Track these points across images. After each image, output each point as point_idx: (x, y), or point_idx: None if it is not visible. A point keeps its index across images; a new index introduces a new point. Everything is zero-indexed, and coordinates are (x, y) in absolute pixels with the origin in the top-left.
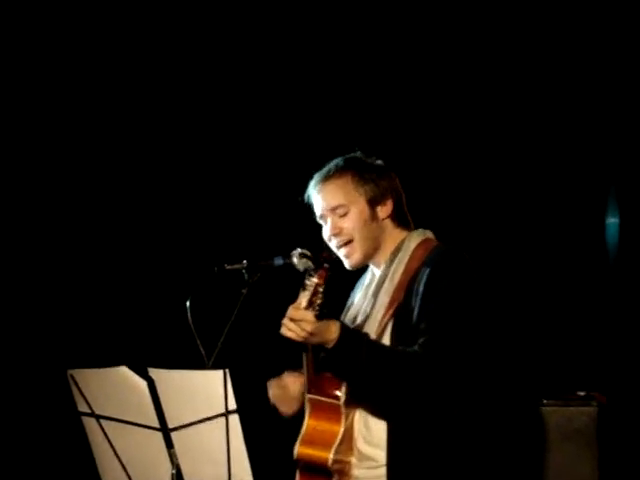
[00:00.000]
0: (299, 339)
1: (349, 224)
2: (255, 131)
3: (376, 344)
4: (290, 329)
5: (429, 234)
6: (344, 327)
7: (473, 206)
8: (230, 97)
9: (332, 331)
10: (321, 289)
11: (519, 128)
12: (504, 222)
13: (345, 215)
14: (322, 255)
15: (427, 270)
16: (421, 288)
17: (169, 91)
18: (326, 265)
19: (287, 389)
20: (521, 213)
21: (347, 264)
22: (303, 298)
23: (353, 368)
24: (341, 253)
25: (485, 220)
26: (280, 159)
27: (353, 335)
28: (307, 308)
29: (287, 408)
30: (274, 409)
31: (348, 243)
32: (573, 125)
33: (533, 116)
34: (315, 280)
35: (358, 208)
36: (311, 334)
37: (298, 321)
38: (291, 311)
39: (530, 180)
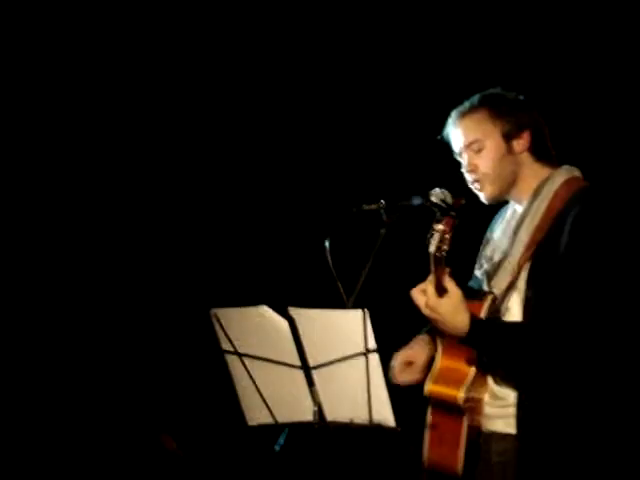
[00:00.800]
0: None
1: (484, 160)
2: (399, 71)
3: (508, 331)
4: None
5: (576, 172)
6: (474, 323)
7: (618, 148)
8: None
9: (460, 324)
10: (448, 236)
11: None
12: None
13: (480, 151)
14: (452, 203)
15: (572, 213)
16: (565, 234)
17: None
18: (452, 213)
19: (413, 362)
20: None
21: (482, 199)
22: (432, 244)
23: (484, 355)
24: (476, 188)
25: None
26: (422, 99)
27: (483, 330)
28: (435, 253)
29: (410, 380)
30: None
31: (483, 179)
32: None
33: None
34: (441, 227)
35: (493, 143)
36: (435, 320)
37: (420, 302)
38: (415, 295)
39: None
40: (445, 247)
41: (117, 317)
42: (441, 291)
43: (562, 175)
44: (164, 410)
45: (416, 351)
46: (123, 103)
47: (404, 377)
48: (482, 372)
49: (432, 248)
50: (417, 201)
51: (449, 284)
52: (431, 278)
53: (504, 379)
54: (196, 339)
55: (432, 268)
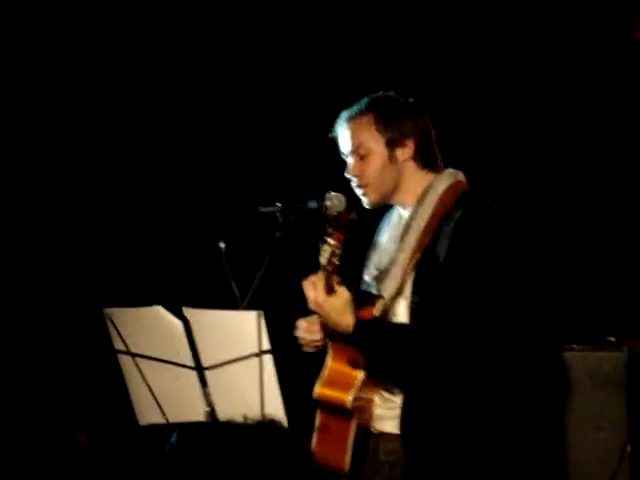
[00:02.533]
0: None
1: (367, 167)
2: (290, 66)
3: (391, 332)
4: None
5: (460, 176)
6: (358, 324)
7: (502, 145)
8: (259, 33)
9: (344, 324)
10: (338, 251)
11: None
12: (530, 158)
13: (365, 157)
14: (342, 217)
15: (453, 220)
16: (447, 239)
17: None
18: (342, 229)
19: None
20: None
21: (364, 204)
22: (323, 257)
23: (367, 356)
24: (359, 193)
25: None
26: (314, 99)
27: (367, 331)
28: (326, 265)
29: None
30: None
31: (366, 185)
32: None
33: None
34: (332, 242)
35: (377, 151)
36: (321, 316)
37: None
38: (306, 286)
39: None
40: (336, 261)
41: (17, 314)
42: (331, 291)
43: (445, 180)
44: (70, 405)
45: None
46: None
47: (312, 339)
48: (371, 375)
49: (323, 260)
50: (313, 204)
51: (339, 287)
52: (322, 277)
53: (392, 382)
54: (89, 339)
55: (323, 274)
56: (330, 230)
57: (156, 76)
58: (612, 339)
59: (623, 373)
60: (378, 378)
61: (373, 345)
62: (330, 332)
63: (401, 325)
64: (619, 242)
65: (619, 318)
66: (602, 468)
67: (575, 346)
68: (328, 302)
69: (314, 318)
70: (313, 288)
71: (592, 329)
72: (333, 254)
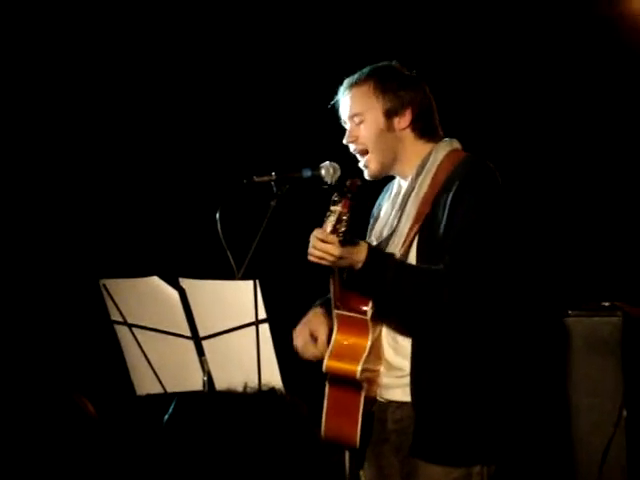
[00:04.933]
0: (327, 264)
1: (364, 133)
2: (292, 35)
3: (402, 264)
4: (317, 255)
5: (456, 144)
6: (371, 249)
7: (501, 115)
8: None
9: (360, 252)
10: (345, 217)
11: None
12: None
13: (361, 123)
14: (347, 183)
15: (455, 183)
16: (448, 202)
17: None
18: (349, 195)
19: (317, 337)
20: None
21: (365, 175)
22: (328, 224)
23: (379, 288)
24: (360, 163)
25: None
26: (313, 70)
27: (380, 257)
28: (331, 233)
29: (317, 354)
30: (298, 356)
31: (364, 153)
32: None
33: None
34: (339, 208)
35: (373, 118)
36: (339, 258)
37: (324, 246)
38: (316, 236)
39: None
40: (343, 228)
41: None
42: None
43: (443, 149)
44: (69, 377)
45: (316, 325)
46: None
47: (311, 352)
48: (377, 345)
49: (329, 229)
50: (307, 173)
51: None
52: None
53: (400, 349)
54: (85, 310)
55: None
56: (336, 197)
57: (148, 55)
58: (607, 304)
59: (618, 338)
60: (384, 346)
61: (385, 272)
62: (346, 273)
63: (411, 265)
64: (612, 207)
65: (613, 283)
66: (598, 433)
67: (570, 311)
68: (336, 241)
69: (310, 317)
70: (320, 232)
71: (587, 294)
72: (339, 220)
